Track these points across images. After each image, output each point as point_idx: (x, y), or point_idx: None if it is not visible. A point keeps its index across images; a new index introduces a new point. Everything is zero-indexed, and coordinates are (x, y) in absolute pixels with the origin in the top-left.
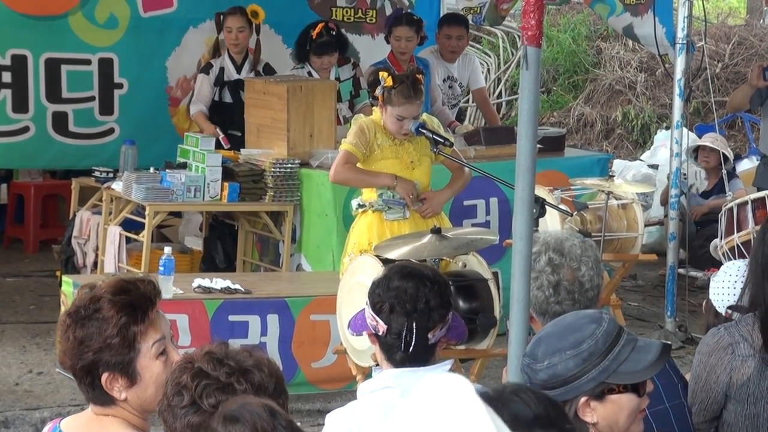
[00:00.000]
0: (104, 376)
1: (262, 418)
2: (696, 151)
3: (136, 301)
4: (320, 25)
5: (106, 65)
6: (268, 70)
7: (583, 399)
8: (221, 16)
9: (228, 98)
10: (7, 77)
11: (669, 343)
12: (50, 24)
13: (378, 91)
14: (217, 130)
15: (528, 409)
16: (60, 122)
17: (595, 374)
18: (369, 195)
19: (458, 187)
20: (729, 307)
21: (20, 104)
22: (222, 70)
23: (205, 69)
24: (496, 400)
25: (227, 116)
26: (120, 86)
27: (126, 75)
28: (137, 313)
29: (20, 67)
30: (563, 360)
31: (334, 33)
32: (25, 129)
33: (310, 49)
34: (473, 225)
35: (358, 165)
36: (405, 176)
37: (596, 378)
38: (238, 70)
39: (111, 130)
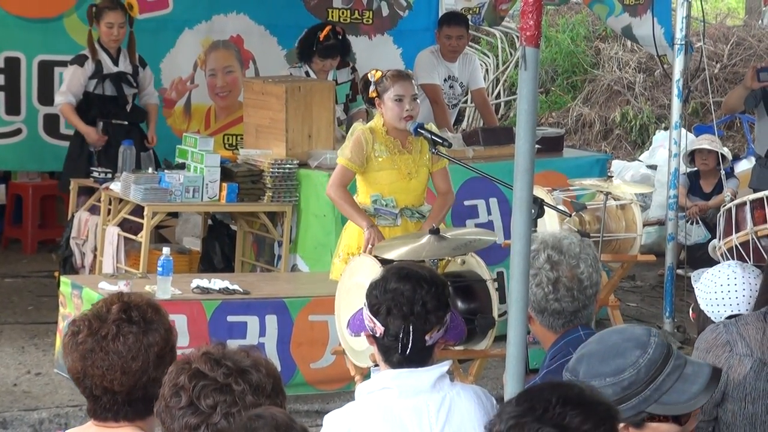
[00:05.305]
0: None
1: (281, 416)
2: (692, 156)
3: None
4: (328, 28)
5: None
6: (144, 62)
7: (621, 425)
8: (94, 8)
9: (110, 91)
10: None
11: (720, 368)
12: (44, 26)
13: (371, 89)
14: (98, 130)
15: None
16: (51, 124)
17: (635, 403)
18: (363, 199)
19: (441, 217)
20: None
21: (13, 106)
22: (99, 63)
23: (79, 61)
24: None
25: (110, 108)
26: None
27: None
28: None
29: (13, 69)
30: (602, 386)
31: (340, 37)
32: (18, 131)
33: (316, 51)
34: (476, 225)
35: (359, 176)
36: (402, 187)
37: (636, 407)
38: (115, 62)
39: None
